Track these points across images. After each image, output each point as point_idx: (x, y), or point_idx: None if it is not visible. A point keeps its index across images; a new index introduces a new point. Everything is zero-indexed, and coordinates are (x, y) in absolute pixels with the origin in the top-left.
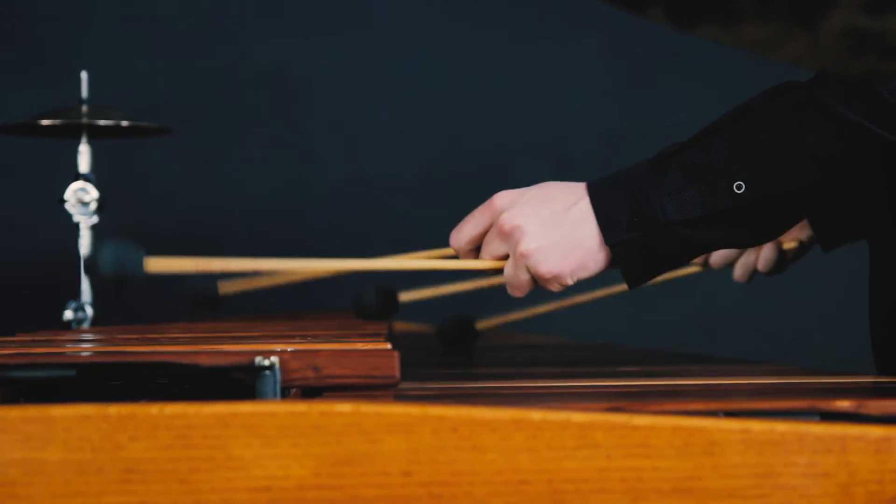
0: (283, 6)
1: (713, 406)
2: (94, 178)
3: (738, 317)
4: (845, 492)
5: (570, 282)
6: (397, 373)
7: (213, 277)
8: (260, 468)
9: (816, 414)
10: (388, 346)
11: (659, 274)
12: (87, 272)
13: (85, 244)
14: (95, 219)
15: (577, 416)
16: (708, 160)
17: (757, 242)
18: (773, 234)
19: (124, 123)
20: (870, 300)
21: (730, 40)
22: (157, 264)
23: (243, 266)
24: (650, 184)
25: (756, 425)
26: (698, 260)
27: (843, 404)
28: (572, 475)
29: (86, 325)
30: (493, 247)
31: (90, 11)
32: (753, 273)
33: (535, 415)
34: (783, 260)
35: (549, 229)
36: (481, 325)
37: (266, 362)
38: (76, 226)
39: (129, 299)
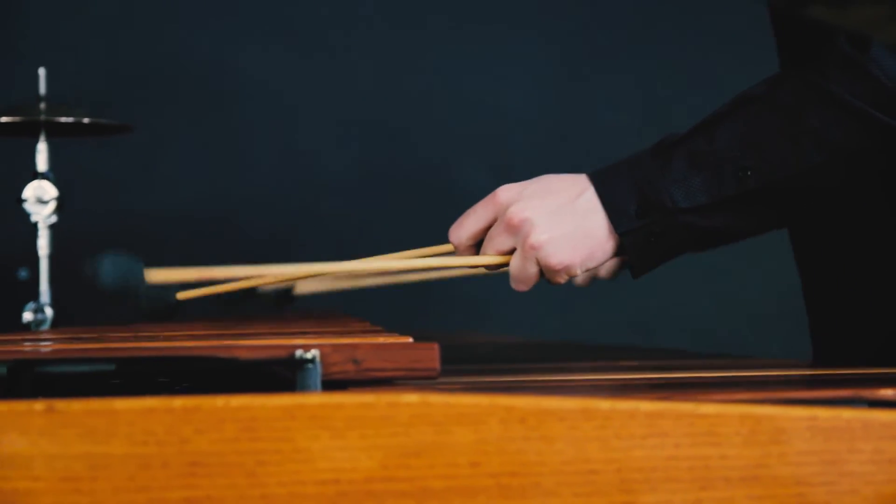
0: (222, 6)
1: (767, 396)
2: (52, 176)
3: (671, 315)
4: None
5: (578, 272)
6: (438, 365)
7: (172, 288)
8: (327, 460)
9: (864, 402)
10: (409, 338)
11: (663, 262)
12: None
13: (44, 245)
14: (55, 218)
15: (646, 405)
16: (713, 147)
17: (760, 231)
18: (776, 222)
19: (86, 121)
20: (803, 285)
21: (837, 20)
22: (158, 275)
23: (244, 273)
24: (656, 172)
25: (822, 413)
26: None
27: (888, 392)
28: (641, 464)
29: (45, 327)
30: (498, 241)
31: (46, 8)
32: (594, 278)
33: (604, 404)
34: (622, 266)
35: (558, 221)
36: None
37: (308, 355)
38: (34, 225)
39: (84, 302)
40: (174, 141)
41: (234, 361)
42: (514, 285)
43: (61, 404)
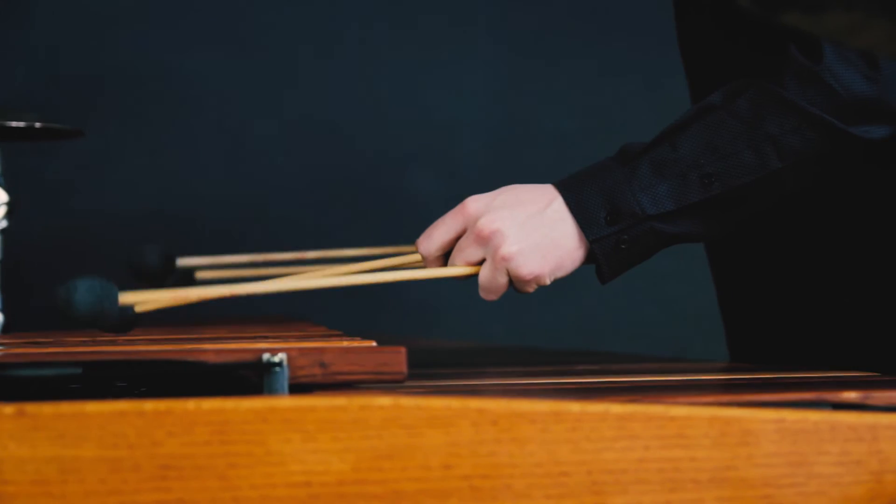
0: (169, 11)
1: (733, 399)
2: (3, 181)
3: (617, 321)
4: (877, 479)
5: (548, 282)
6: (405, 369)
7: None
8: (299, 463)
9: (828, 405)
10: (373, 342)
11: (631, 267)
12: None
13: None
14: (4, 223)
15: (616, 408)
16: (677, 155)
17: (725, 233)
18: (740, 225)
19: (37, 125)
20: (718, 295)
21: (810, 27)
22: (133, 298)
23: (220, 293)
24: (624, 180)
25: (790, 415)
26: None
27: (851, 395)
28: (611, 466)
29: None
30: (468, 252)
31: None
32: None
33: (574, 406)
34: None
35: (527, 232)
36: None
37: (276, 359)
38: None
39: (36, 308)
40: (123, 146)
41: (202, 365)
42: (484, 295)
43: (31, 407)
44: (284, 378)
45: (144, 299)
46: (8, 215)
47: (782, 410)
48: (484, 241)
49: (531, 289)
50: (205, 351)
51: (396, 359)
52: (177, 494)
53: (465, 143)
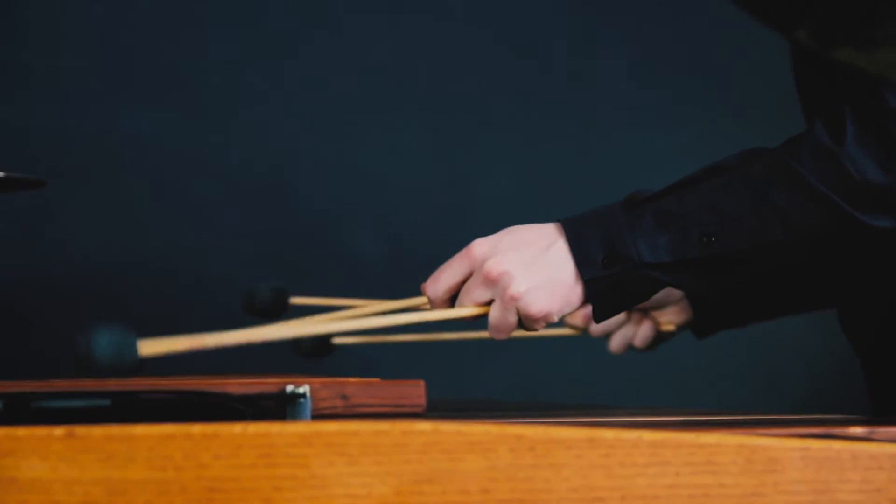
0: (106, 70)
1: (761, 431)
2: None
3: (553, 374)
4: None
5: (555, 319)
6: (424, 401)
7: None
8: (342, 486)
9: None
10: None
11: (625, 309)
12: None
13: None
14: None
15: (649, 435)
16: (682, 210)
17: (721, 295)
18: (736, 289)
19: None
20: (855, 349)
21: (863, 63)
22: (151, 346)
23: (237, 339)
24: (626, 225)
25: (814, 444)
26: (579, 323)
27: (857, 430)
28: (643, 492)
29: None
30: (476, 294)
31: None
32: (629, 346)
33: (609, 433)
34: (658, 339)
35: (534, 271)
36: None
37: (300, 390)
38: None
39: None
40: (65, 202)
41: (227, 395)
42: (494, 334)
43: (81, 430)
44: (308, 409)
45: (161, 346)
46: None
47: (807, 439)
48: (492, 282)
49: (540, 326)
50: (228, 384)
51: (416, 392)
52: None
53: (404, 206)
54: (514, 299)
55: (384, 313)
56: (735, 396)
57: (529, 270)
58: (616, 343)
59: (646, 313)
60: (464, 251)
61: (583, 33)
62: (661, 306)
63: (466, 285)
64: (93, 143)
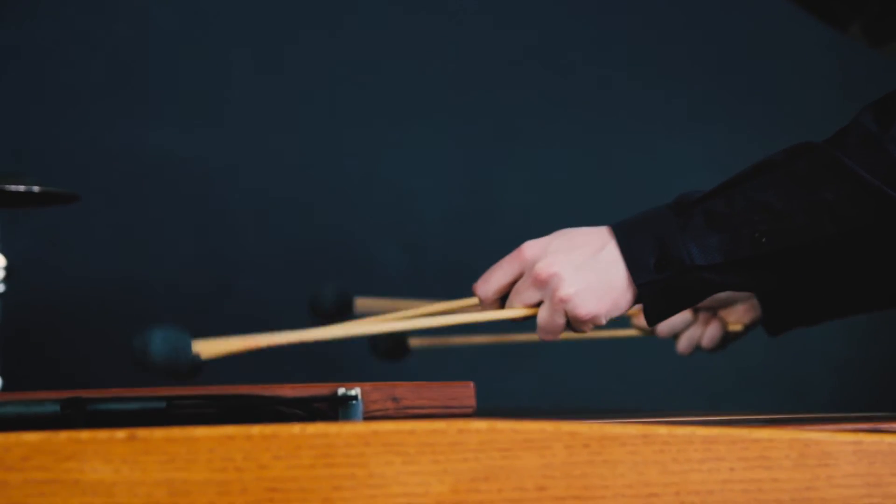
0: (134, 87)
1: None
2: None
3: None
4: None
5: (604, 321)
6: (474, 402)
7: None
8: (400, 485)
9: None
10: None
11: (677, 311)
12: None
13: None
14: (2, 287)
15: (702, 431)
16: (731, 210)
17: (772, 290)
18: (790, 284)
19: (36, 189)
20: None
21: None
22: (206, 347)
23: (288, 339)
24: (676, 228)
25: (867, 437)
26: (642, 326)
27: None
28: (698, 487)
29: None
30: (526, 295)
31: None
32: (696, 347)
33: (662, 430)
34: (726, 339)
35: (583, 274)
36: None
37: (352, 392)
38: None
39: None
40: (89, 218)
41: (280, 399)
42: (543, 335)
43: (143, 432)
44: (359, 411)
45: (215, 347)
46: (6, 280)
47: (859, 433)
48: (542, 283)
49: (588, 329)
50: (280, 387)
51: (466, 393)
52: None
53: (426, 218)
54: (563, 301)
55: (436, 314)
56: (763, 404)
57: (579, 273)
58: (683, 344)
59: (714, 313)
60: (514, 252)
61: (608, 41)
62: (728, 305)
63: (517, 286)
64: (118, 158)
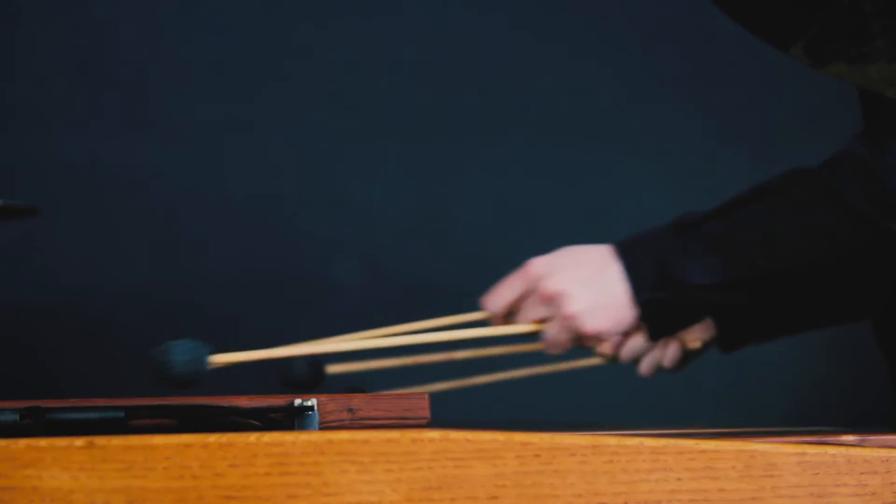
0: (92, 99)
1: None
2: None
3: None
4: None
5: (609, 338)
6: (428, 414)
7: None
8: (354, 493)
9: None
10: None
11: (679, 329)
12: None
13: None
14: None
15: (650, 441)
16: (729, 232)
17: (770, 311)
18: (786, 307)
19: None
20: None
21: (854, 78)
22: (222, 358)
23: (304, 350)
24: (676, 249)
25: (811, 448)
26: (608, 352)
27: (849, 438)
28: (646, 497)
29: None
30: (534, 311)
31: None
32: (658, 368)
33: (611, 440)
34: (687, 357)
35: (589, 291)
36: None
37: (308, 402)
38: None
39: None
40: (55, 232)
41: (236, 409)
42: (550, 350)
43: (101, 440)
44: (316, 422)
45: (231, 358)
46: None
47: (803, 444)
48: (549, 300)
49: (593, 344)
50: (237, 398)
51: (420, 404)
52: None
53: (385, 236)
54: (569, 318)
55: (440, 329)
56: (715, 421)
57: (585, 290)
58: (646, 366)
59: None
60: (521, 269)
61: (568, 54)
62: None
63: (525, 302)
64: (79, 172)
